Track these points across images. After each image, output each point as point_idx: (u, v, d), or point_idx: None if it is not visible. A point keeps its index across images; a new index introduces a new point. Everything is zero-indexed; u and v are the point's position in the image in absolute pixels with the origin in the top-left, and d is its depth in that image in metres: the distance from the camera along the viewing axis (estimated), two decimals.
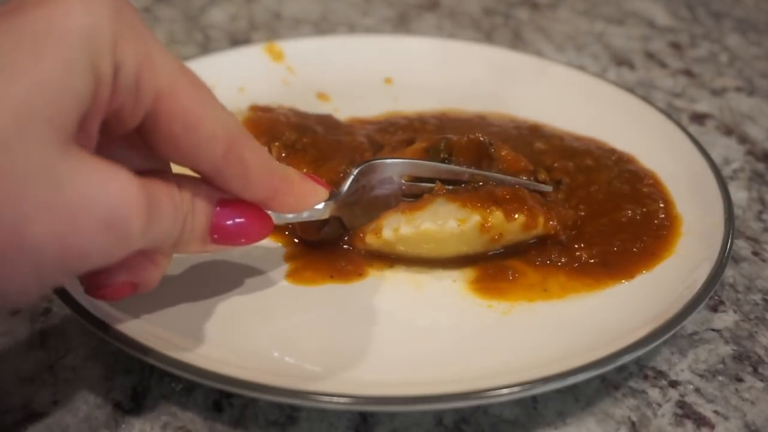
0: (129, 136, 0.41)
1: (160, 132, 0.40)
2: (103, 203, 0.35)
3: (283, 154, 0.65)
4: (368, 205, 0.60)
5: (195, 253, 0.45)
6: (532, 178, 0.64)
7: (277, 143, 0.66)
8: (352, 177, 0.57)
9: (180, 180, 0.43)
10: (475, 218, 0.57)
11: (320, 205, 0.54)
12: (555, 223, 0.60)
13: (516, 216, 0.58)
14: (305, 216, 0.54)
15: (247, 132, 0.44)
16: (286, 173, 0.47)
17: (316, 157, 0.66)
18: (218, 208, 0.45)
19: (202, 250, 0.46)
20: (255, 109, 0.71)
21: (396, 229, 0.58)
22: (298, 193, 0.47)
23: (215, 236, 0.45)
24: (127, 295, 0.46)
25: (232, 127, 0.42)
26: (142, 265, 0.45)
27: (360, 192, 0.59)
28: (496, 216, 0.58)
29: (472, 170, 0.62)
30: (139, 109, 0.39)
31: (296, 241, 0.61)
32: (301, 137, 0.67)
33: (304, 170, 0.63)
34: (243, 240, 0.47)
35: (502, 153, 0.64)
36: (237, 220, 0.45)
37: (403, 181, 0.61)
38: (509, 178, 0.62)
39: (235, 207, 0.46)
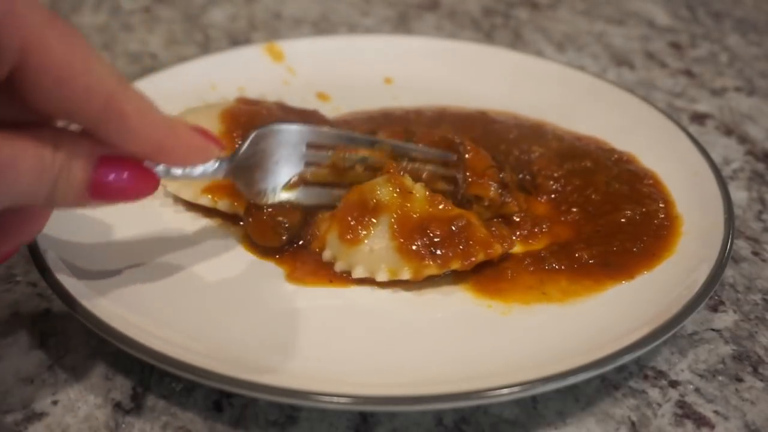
0: (1, 87, 0.39)
1: (29, 86, 0.39)
2: None
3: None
4: (268, 171, 0.57)
5: (71, 207, 0.43)
6: (497, 183, 0.64)
7: None
8: (249, 139, 0.55)
9: (57, 134, 0.41)
10: (405, 273, 0.56)
11: (212, 165, 0.52)
12: (493, 251, 0.58)
13: (450, 265, 0.56)
14: (197, 174, 0.51)
15: (128, 84, 0.41)
16: (172, 125, 0.44)
17: None
18: (98, 165, 0.42)
19: (79, 206, 0.43)
20: (240, 101, 0.71)
21: (335, 258, 0.58)
22: (185, 145, 0.45)
23: (94, 193, 0.42)
24: (11, 255, 0.45)
25: (109, 79, 0.40)
26: (18, 227, 0.44)
27: (259, 156, 0.56)
28: (429, 269, 0.56)
29: (375, 138, 0.61)
30: (2, 62, 0.37)
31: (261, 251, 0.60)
32: None
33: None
34: (124, 197, 0.44)
35: (469, 151, 0.65)
36: (117, 175, 0.43)
37: (305, 150, 0.58)
38: (414, 146, 0.62)
39: (116, 162, 0.43)
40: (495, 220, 0.64)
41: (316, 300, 0.56)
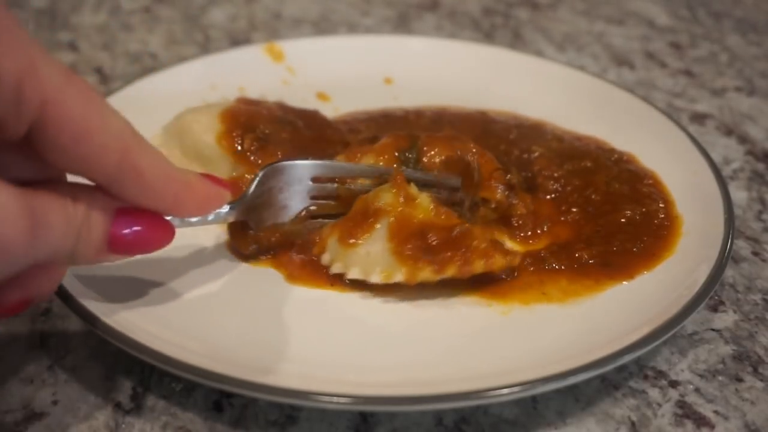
0: (19, 144, 0.40)
1: (47, 142, 0.39)
2: None
3: (253, 147, 0.65)
4: (277, 207, 0.60)
5: (91, 263, 0.44)
6: (504, 185, 0.64)
7: (249, 135, 0.66)
8: (257, 180, 0.57)
9: (75, 190, 0.42)
10: (399, 275, 0.56)
11: (224, 209, 0.54)
12: (494, 261, 0.56)
13: (446, 271, 0.56)
14: (210, 219, 0.54)
15: (143, 139, 0.42)
16: (186, 178, 0.45)
17: (290, 152, 0.66)
18: (115, 218, 0.43)
19: (100, 261, 0.44)
20: (241, 101, 0.71)
21: (332, 260, 0.58)
22: (199, 197, 0.46)
23: (113, 246, 0.43)
24: (23, 310, 0.45)
25: (125, 135, 0.41)
26: (35, 279, 0.44)
27: (267, 195, 0.58)
28: (424, 272, 0.55)
29: (380, 169, 0.62)
30: (22, 118, 0.38)
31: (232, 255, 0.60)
32: (278, 131, 0.67)
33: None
34: (142, 249, 0.45)
35: (475, 153, 0.65)
36: (134, 228, 0.44)
37: (310, 183, 0.60)
38: (420, 174, 0.62)
39: (132, 216, 0.44)
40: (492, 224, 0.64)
41: (317, 300, 0.56)
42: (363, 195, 0.60)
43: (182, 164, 0.66)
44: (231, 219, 0.56)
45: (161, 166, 0.43)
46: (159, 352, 0.46)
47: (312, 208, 0.61)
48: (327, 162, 0.62)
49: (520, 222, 0.64)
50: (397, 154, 0.65)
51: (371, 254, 0.56)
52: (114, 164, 0.41)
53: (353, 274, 0.57)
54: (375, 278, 0.56)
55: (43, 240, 0.38)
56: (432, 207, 0.58)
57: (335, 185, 0.61)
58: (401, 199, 0.57)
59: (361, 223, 0.57)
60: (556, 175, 0.69)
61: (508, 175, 0.65)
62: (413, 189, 0.58)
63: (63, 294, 0.50)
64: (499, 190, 0.64)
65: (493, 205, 0.64)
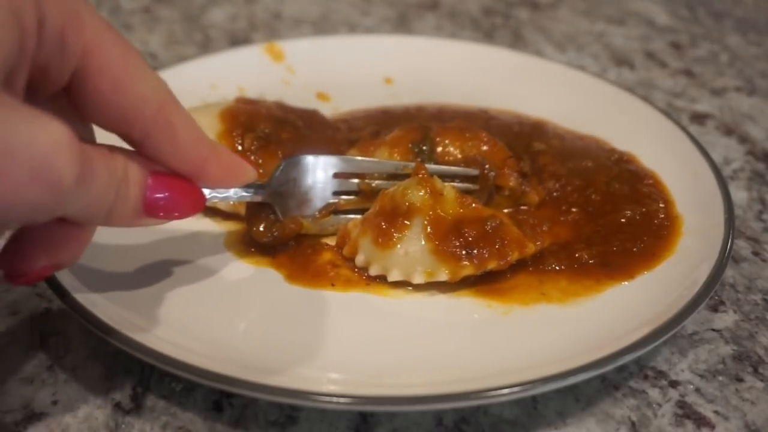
0: (56, 101, 0.41)
1: (88, 91, 0.40)
2: (34, 150, 0.34)
3: (253, 147, 0.65)
4: (300, 199, 0.60)
5: (126, 226, 0.44)
6: (517, 172, 0.65)
7: (249, 134, 0.66)
8: (280, 168, 0.58)
9: (113, 148, 0.42)
10: (443, 275, 0.56)
11: (251, 189, 0.56)
12: (527, 249, 0.58)
13: (487, 265, 0.56)
14: (237, 196, 0.55)
15: (176, 98, 0.43)
16: (215, 145, 0.46)
17: (290, 152, 0.66)
18: (151, 180, 0.43)
19: (134, 223, 0.44)
20: (240, 100, 0.71)
21: (369, 262, 0.58)
22: (226, 165, 0.47)
23: (148, 208, 0.43)
24: (47, 276, 0.45)
25: (161, 89, 0.42)
26: (63, 243, 0.44)
27: (291, 185, 0.59)
28: (466, 269, 0.56)
29: (402, 164, 0.62)
30: (66, 65, 0.38)
31: (252, 249, 0.60)
32: (279, 131, 0.67)
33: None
34: (176, 213, 0.45)
35: (486, 142, 0.65)
36: (169, 192, 0.44)
37: (332, 179, 0.61)
38: (439, 167, 0.63)
39: (167, 179, 0.44)
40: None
41: (317, 301, 0.56)
42: (386, 190, 0.60)
43: None
44: (258, 199, 0.56)
45: (193, 127, 0.44)
46: (159, 352, 0.46)
47: (333, 201, 0.61)
48: (349, 157, 0.63)
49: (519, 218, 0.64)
50: (410, 145, 0.65)
51: (410, 254, 0.57)
52: (150, 116, 0.41)
53: (394, 276, 0.57)
54: (418, 279, 0.56)
55: (88, 186, 0.38)
56: (457, 195, 0.58)
57: (357, 181, 0.62)
58: (429, 194, 0.58)
59: (394, 223, 0.57)
60: (560, 171, 0.69)
61: (521, 163, 0.66)
62: (438, 182, 0.59)
63: (63, 294, 0.50)
64: (513, 178, 0.64)
65: (506, 193, 0.65)
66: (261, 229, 0.59)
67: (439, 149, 0.65)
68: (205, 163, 0.45)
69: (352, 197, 0.62)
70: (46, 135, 0.34)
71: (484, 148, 0.65)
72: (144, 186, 0.43)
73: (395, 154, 0.65)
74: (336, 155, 0.62)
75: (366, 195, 0.62)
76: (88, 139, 0.45)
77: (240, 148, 0.64)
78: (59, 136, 0.35)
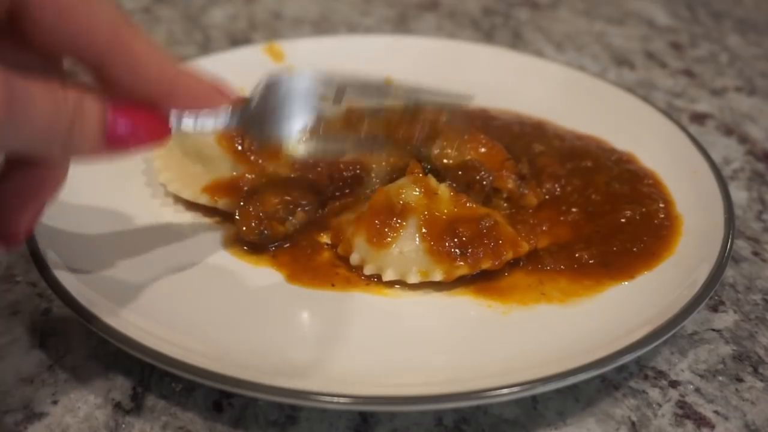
0: (4, 30, 0.39)
1: (31, 21, 0.37)
2: None
3: (253, 147, 0.65)
4: (280, 122, 0.54)
5: (89, 159, 0.42)
6: (515, 175, 0.64)
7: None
8: (260, 88, 0.52)
9: (68, 82, 0.39)
10: (437, 274, 0.56)
11: (225, 116, 0.49)
12: (521, 248, 0.58)
13: (481, 264, 0.57)
14: (209, 126, 0.48)
15: (135, 24, 0.41)
16: (183, 68, 0.43)
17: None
18: (110, 111, 0.41)
19: (97, 156, 0.41)
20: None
21: (363, 261, 0.58)
22: (195, 87, 0.44)
23: (109, 138, 0.41)
24: (35, 221, 0.45)
25: (114, 15, 0.39)
26: (38, 190, 0.44)
27: (271, 107, 0.53)
28: (461, 269, 0.56)
29: (387, 86, 0.57)
30: None
31: (245, 248, 0.60)
32: None
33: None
34: (138, 143, 0.43)
35: (485, 144, 0.65)
36: (132, 123, 0.42)
37: (315, 101, 0.55)
38: (427, 91, 0.59)
39: (129, 110, 0.41)
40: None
41: (316, 301, 0.56)
42: (383, 188, 0.60)
43: (183, 164, 0.66)
44: (231, 124, 0.50)
45: (155, 51, 0.41)
46: (159, 352, 0.46)
47: (317, 128, 0.55)
48: (332, 75, 0.56)
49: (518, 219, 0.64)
50: (408, 147, 0.65)
51: (404, 254, 0.57)
52: (104, 42, 0.39)
53: (389, 275, 0.57)
54: (413, 278, 0.57)
55: (23, 117, 0.36)
56: (451, 195, 0.58)
57: (341, 105, 0.57)
58: (423, 194, 0.58)
59: (388, 222, 0.57)
60: (560, 173, 0.69)
61: (519, 165, 0.66)
62: (432, 181, 0.58)
63: (63, 294, 0.50)
64: (511, 180, 0.64)
65: (504, 195, 0.64)
66: (251, 225, 0.59)
67: (437, 151, 0.65)
68: (172, 86, 0.42)
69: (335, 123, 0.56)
70: None
71: (482, 150, 0.65)
72: (102, 118, 0.40)
73: (392, 156, 0.65)
74: (319, 71, 0.56)
75: (350, 123, 0.57)
76: (39, 69, 0.41)
77: (240, 147, 0.64)
78: None
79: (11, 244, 0.44)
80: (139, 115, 0.42)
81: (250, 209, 0.60)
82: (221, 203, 0.63)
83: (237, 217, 0.60)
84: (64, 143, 0.39)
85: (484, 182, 0.63)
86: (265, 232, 0.59)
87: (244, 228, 0.59)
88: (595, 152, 0.72)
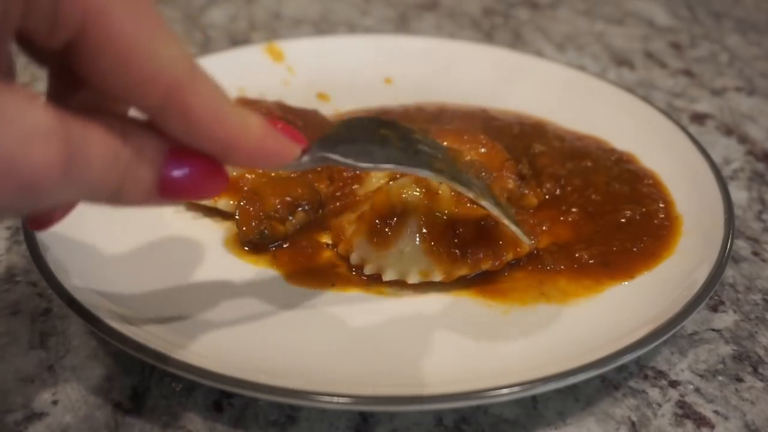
0: (62, 65, 0.35)
1: (86, 63, 0.34)
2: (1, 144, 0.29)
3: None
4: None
5: (137, 206, 0.38)
6: (515, 175, 0.64)
7: None
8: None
9: (126, 123, 0.36)
10: (437, 275, 0.56)
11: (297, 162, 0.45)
12: (521, 249, 0.58)
13: (481, 265, 0.57)
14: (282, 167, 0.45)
15: (201, 73, 0.37)
16: (245, 123, 0.39)
17: None
18: (168, 158, 0.38)
19: (146, 204, 0.38)
20: (241, 101, 0.71)
21: (363, 261, 0.58)
22: (257, 147, 0.40)
23: (163, 189, 0.38)
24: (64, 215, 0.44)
25: (177, 66, 0.35)
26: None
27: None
28: (461, 270, 0.56)
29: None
30: (59, 29, 0.32)
31: (246, 249, 0.60)
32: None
33: None
34: (193, 194, 0.40)
35: (485, 145, 0.65)
36: (189, 172, 0.38)
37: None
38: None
39: (184, 158, 0.38)
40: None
41: (316, 300, 0.56)
42: (384, 187, 0.60)
43: None
44: (303, 168, 0.46)
45: (216, 107, 0.37)
46: (159, 352, 0.46)
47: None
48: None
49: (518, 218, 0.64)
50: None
51: (405, 254, 0.57)
52: (159, 97, 0.35)
53: (389, 276, 0.57)
54: (413, 279, 0.56)
55: (80, 174, 0.32)
56: (452, 194, 0.58)
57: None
58: (424, 194, 0.57)
59: (389, 222, 0.57)
60: (560, 173, 0.69)
61: (519, 165, 0.66)
62: (434, 182, 0.58)
63: (63, 294, 0.50)
64: (511, 181, 0.64)
65: (505, 195, 0.64)
66: (251, 225, 0.59)
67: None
68: (229, 144, 0.39)
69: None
70: (16, 126, 0.29)
71: (483, 150, 0.65)
72: (159, 165, 0.37)
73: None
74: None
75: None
76: (91, 103, 0.39)
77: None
78: (35, 122, 0.30)
79: (43, 228, 0.44)
80: (197, 164, 0.39)
81: (250, 209, 0.60)
82: (221, 203, 0.63)
83: (237, 217, 0.60)
84: (113, 193, 0.36)
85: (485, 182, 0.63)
86: (265, 231, 0.59)
87: (244, 228, 0.59)
88: (595, 152, 0.72)
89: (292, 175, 0.63)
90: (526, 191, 0.65)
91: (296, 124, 0.70)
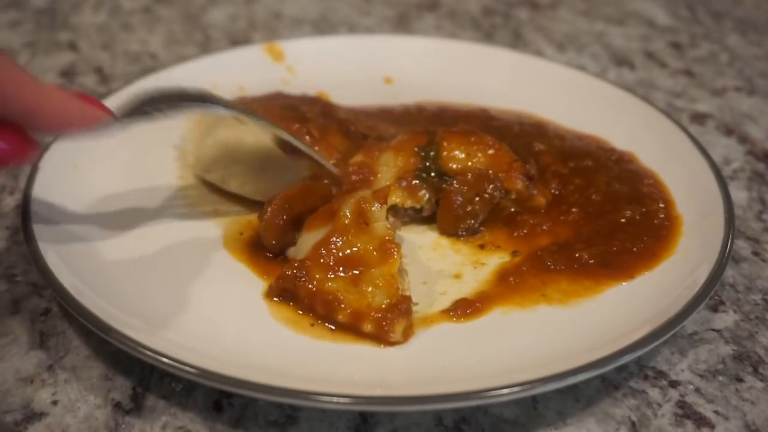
0: None
1: None
2: None
3: (317, 135, 0.67)
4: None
5: None
6: (524, 175, 0.65)
7: (309, 124, 0.68)
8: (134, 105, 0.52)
9: None
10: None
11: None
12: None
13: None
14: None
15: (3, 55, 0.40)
16: (46, 90, 0.43)
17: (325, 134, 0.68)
18: None
19: None
20: (240, 101, 0.72)
21: (296, 252, 0.58)
22: (60, 111, 0.44)
23: None
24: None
25: None
26: None
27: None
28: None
29: None
30: None
31: (270, 255, 0.60)
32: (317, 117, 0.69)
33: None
34: (5, 163, 0.43)
35: (492, 146, 0.65)
36: None
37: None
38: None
39: None
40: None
41: None
42: (349, 194, 0.59)
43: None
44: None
45: (17, 76, 0.41)
46: (159, 352, 0.46)
47: None
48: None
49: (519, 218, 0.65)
50: (416, 149, 0.65)
51: (304, 244, 0.57)
52: None
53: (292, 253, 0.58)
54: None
55: None
56: (380, 240, 0.55)
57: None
58: (352, 216, 0.56)
59: (321, 217, 0.58)
60: (563, 171, 0.69)
61: (527, 165, 0.66)
62: (377, 212, 0.56)
63: (63, 294, 0.50)
64: (519, 181, 0.64)
65: (513, 196, 0.64)
66: (277, 236, 0.59)
67: (445, 153, 0.65)
68: (35, 109, 0.42)
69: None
70: None
71: (490, 152, 0.65)
72: None
73: (400, 158, 0.65)
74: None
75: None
76: None
77: (309, 138, 0.66)
78: None
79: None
80: (4, 133, 0.42)
81: (277, 221, 0.59)
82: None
83: (262, 230, 0.59)
84: None
85: (496, 193, 0.63)
86: (280, 245, 0.60)
87: (271, 240, 0.59)
88: (596, 152, 0.72)
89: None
90: (535, 192, 0.65)
91: (303, 110, 0.71)
